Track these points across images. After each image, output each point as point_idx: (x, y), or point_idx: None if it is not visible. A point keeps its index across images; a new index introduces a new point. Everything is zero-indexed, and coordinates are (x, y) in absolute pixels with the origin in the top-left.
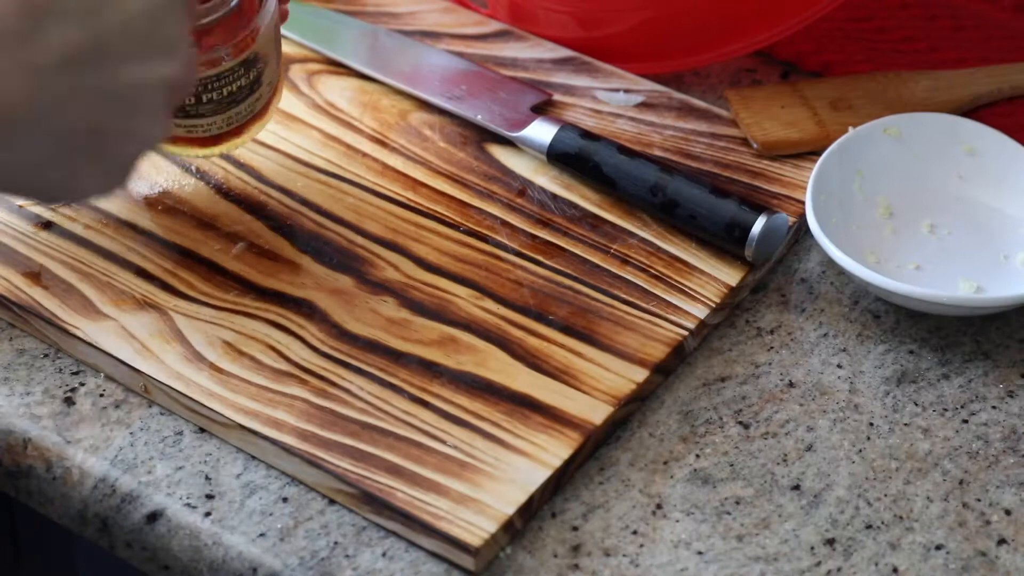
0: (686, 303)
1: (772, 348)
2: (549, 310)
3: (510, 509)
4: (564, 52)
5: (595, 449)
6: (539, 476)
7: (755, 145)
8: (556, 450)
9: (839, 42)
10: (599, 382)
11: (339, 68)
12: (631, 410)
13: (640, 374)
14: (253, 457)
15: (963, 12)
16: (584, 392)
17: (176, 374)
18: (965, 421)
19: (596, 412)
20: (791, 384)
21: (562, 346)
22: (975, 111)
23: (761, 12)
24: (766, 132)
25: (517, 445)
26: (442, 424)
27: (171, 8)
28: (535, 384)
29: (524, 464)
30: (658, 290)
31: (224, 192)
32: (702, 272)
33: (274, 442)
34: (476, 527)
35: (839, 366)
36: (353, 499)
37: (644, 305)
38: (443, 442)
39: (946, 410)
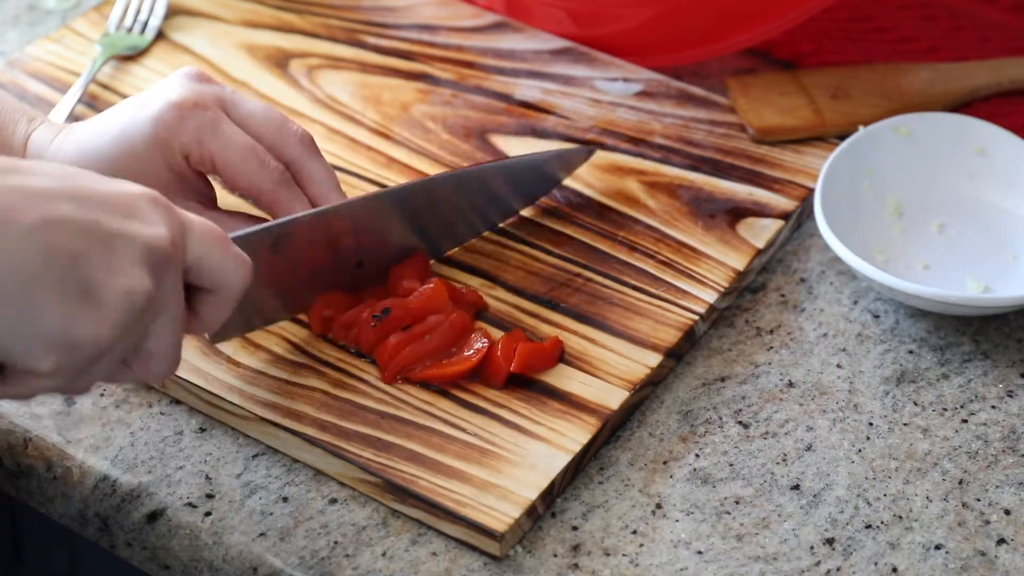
0: (695, 288)
1: (772, 348)
2: (560, 298)
3: (532, 494)
4: (561, 43)
5: (613, 432)
6: (559, 461)
7: (750, 131)
8: (575, 435)
9: (838, 42)
10: (613, 367)
11: (339, 62)
12: (646, 394)
13: (653, 359)
14: (253, 457)
15: (961, 12)
16: (599, 378)
17: (194, 368)
18: (964, 421)
19: (612, 397)
20: (791, 384)
21: (575, 333)
22: (973, 104)
23: (757, 10)
24: (762, 118)
25: (536, 432)
26: (461, 412)
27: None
28: (550, 371)
29: (544, 450)
30: (667, 276)
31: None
32: (709, 257)
33: (295, 433)
34: (500, 512)
35: (839, 366)
36: (376, 488)
37: (654, 291)
38: (463, 430)
39: (945, 410)
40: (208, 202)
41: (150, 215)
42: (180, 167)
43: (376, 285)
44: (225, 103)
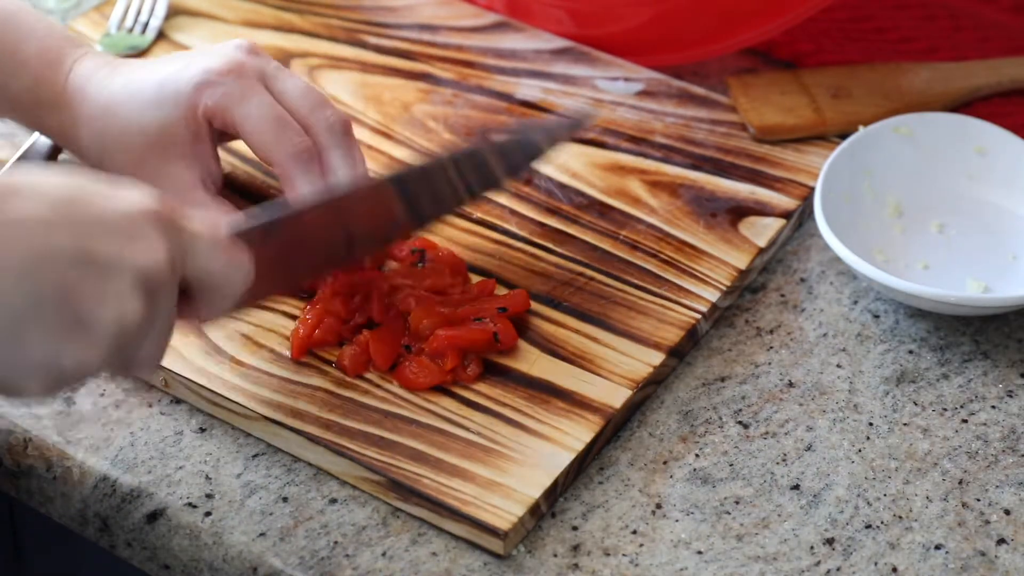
0: (697, 287)
1: (772, 348)
2: (562, 297)
3: (536, 492)
4: (562, 42)
5: (615, 431)
6: (562, 460)
7: (751, 130)
8: (578, 434)
9: (838, 42)
10: (616, 366)
11: (340, 61)
12: (648, 393)
13: (656, 357)
14: (253, 457)
15: (961, 12)
16: (602, 376)
17: (197, 368)
18: (964, 421)
19: (615, 396)
20: (791, 384)
21: (578, 332)
22: (973, 104)
23: (757, 10)
24: (763, 117)
25: (539, 430)
26: (464, 411)
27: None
28: (553, 370)
29: (547, 448)
30: (669, 275)
31: (232, 185)
32: (711, 256)
33: (298, 432)
34: (503, 511)
35: (839, 366)
36: (379, 487)
37: (656, 290)
38: (466, 429)
39: (945, 410)
40: (212, 186)
41: (149, 235)
42: (199, 134)
43: (365, 259)
44: (266, 76)
